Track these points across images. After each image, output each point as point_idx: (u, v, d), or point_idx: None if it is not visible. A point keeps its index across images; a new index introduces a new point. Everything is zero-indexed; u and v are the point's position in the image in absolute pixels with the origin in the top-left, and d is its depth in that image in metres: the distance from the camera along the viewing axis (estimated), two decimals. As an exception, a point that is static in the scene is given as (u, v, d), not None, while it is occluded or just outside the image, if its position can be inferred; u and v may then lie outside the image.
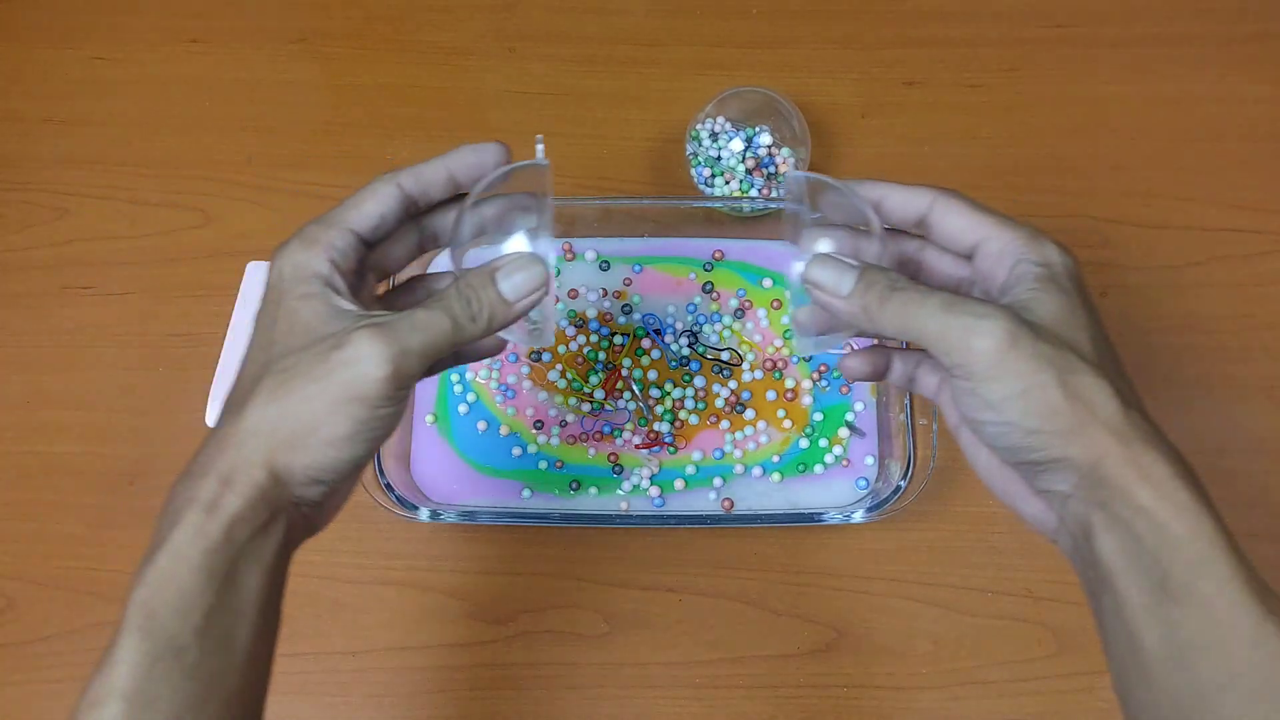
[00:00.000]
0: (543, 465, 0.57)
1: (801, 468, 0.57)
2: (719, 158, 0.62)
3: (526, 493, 0.57)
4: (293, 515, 0.34)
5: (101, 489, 0.58)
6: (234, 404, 0.34)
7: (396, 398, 0.33)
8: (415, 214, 0.39)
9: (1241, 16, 0.68)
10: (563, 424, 0.58)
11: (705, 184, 0.62)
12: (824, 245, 0.37)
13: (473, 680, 0.55)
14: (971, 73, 0.67)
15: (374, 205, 0.37)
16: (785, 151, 0.62)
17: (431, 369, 0.40)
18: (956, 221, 0.37)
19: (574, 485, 0.57)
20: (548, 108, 0.67)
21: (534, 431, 0.58)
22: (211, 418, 0.59)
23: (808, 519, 0.54)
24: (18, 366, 0.61)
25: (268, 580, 0.33)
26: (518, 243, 0.37)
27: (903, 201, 0.38)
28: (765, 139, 0.62)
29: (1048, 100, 0.67)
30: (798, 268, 0.36)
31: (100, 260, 0.63)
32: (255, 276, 0.62)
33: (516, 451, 0.57)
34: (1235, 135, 0.65)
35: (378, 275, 0.40)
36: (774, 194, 0.61)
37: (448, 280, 0.40)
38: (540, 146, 0.39)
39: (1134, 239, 0.63)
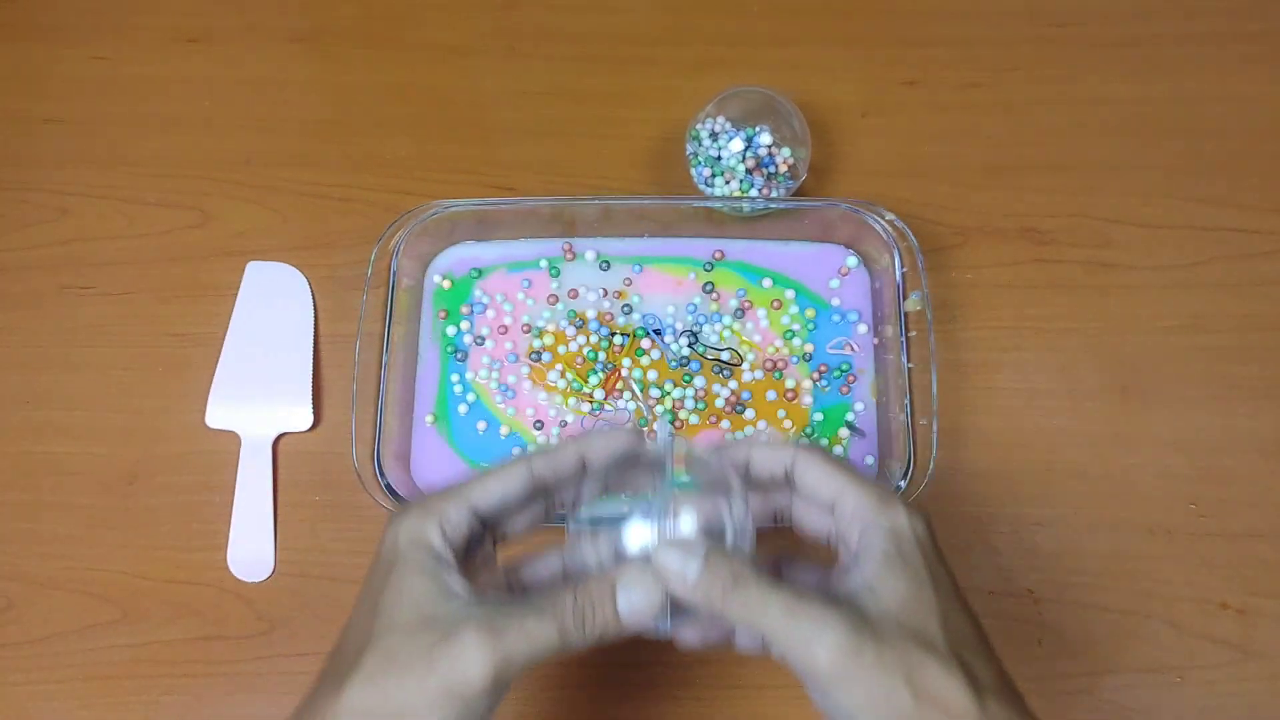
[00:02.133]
0: (543, 465, 0.57)
1: (801, 468, 0.57)
2: (719, 157, 0.62)
3: (526, 493, 0.56)
4: None
5: (100, 489, 0.58)
6: (336, 672, 0.35)
7: (494, 698, 0.34)
8: (543, 493, 0.41)
9: (1242, 16, 0.68)
10: (563, 424, 0.58)
11: (705, 184, 0.62)
12: (686, 521, 0.37)
13: (472, 680, 0.55)
14: (971, 72, 0.67)
15: (499, 486, 0.39)
16: (786, 151, 0.62)
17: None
18: (815, 477, 0.39)
19: (574, 485, 0.57)
20: (548, 107, 0.67)
21: (534, 431, 0.58)
22: (211, 418, 0.59)
23: (808, 519, 0.53)
24: (16, 366, 0.61)
25: None
26: (637, 531, 0.38)
27: (768, 458, 0.40)
28: (765, 138, 0.62)
29: (1048, 100, 0.67)
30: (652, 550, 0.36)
31: (99, 260, 0.63)
32: (255, 276, 0.62)
33: (516, 452, 0.57)
34: (1235, 135, 0.65)
35: (497, 540, 0.41)
36: (774, 194, 0.61)
37: (573, 547, 0.39)
38: (667, 428, 0.39)
39: (1134, 239, 0.63)
